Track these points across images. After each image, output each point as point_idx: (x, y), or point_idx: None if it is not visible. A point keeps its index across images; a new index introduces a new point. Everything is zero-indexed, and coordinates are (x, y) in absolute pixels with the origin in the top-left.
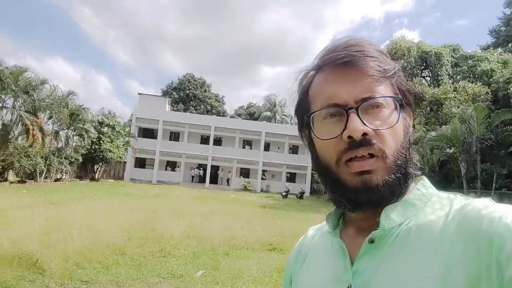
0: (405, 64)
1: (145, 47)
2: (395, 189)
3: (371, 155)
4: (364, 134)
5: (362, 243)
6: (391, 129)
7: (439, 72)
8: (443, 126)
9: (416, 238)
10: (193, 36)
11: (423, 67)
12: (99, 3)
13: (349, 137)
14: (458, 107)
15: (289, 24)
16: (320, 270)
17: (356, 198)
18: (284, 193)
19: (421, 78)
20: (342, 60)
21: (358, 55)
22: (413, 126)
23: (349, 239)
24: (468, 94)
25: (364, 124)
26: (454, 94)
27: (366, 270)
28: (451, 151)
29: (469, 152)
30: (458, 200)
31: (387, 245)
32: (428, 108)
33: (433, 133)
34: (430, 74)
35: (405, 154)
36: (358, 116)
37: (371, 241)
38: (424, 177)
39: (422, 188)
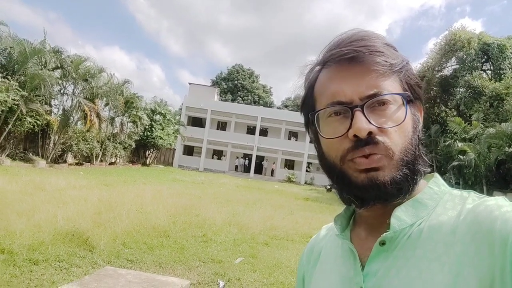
0: (465, 57)
1: (196, 37)
2: (402, 186)
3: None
4: (370, 132)
5: (373, 245)
6: (399, 127)
7: (501, 66)
8: (503, 123)
9: (428, 240)
10: (243, 27)
11: (484, 60)
12: None
13: (355, 136)
14: None
15: (342, 13)
16: (331, 272)
17: (363, 195)
18: (329, 187)
19: (481, 72)
20: (346, 56)
21: (364, 51)
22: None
23: (359, 241)
24: None
25: (370, 122)
26: None
27: (377, 273)
28: (511, 150)
29: None
30: (471, 199)
31: (399, 247)
32: (488, 104)
33: (491, 130)
34: (491, 68)
35: (413, 151)
36: (364, 114)
37: (382, 243)
38: (436, 174)
39: (434, 186)
